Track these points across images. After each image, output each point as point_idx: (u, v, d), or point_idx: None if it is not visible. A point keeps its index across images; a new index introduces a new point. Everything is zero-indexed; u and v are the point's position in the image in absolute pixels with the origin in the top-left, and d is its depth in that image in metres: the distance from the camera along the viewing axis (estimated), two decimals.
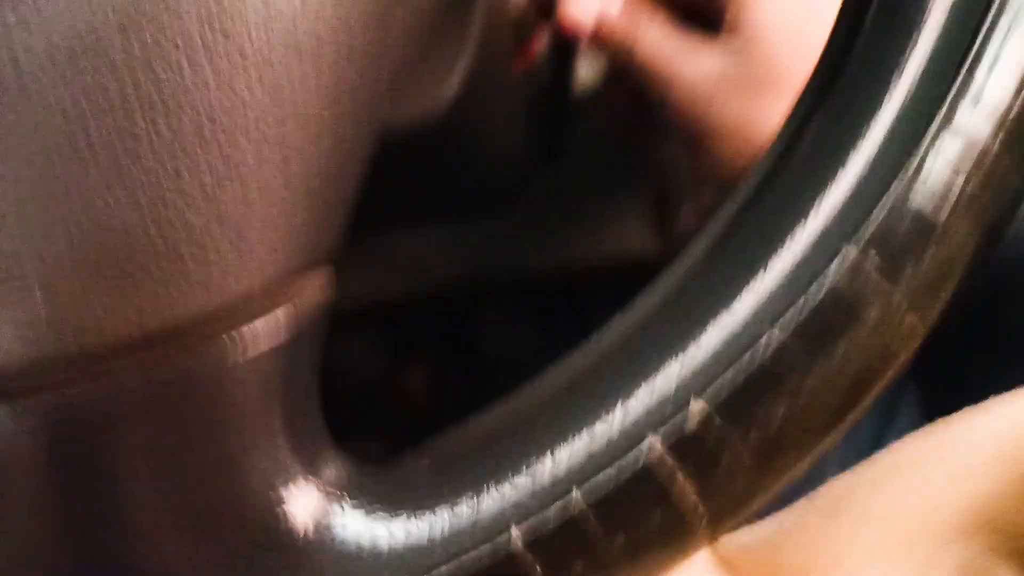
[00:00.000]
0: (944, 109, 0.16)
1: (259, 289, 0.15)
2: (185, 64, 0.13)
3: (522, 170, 0.42)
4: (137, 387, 0.14)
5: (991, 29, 0.15)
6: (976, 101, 0.15)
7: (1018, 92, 0.16)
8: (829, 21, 0.31)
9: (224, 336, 0.15)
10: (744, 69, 0.35)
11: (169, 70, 0.13)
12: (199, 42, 0.13)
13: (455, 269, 0.44)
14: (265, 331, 0.16)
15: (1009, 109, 0.15)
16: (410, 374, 0.56)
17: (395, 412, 0.55)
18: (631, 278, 0.47)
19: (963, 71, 0.16)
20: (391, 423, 0.55)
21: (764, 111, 0.35)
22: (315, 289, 0.17)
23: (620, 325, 0.18)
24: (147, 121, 0.13)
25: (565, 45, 0.38)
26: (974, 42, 0.16)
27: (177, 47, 0.13)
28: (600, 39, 0.37)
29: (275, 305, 0.16)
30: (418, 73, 0.16)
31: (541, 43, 0.39)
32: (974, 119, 0.16)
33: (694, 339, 0.16)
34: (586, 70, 0.41)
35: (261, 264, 0.15)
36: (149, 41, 0.13)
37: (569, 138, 0.43)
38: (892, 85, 0.16)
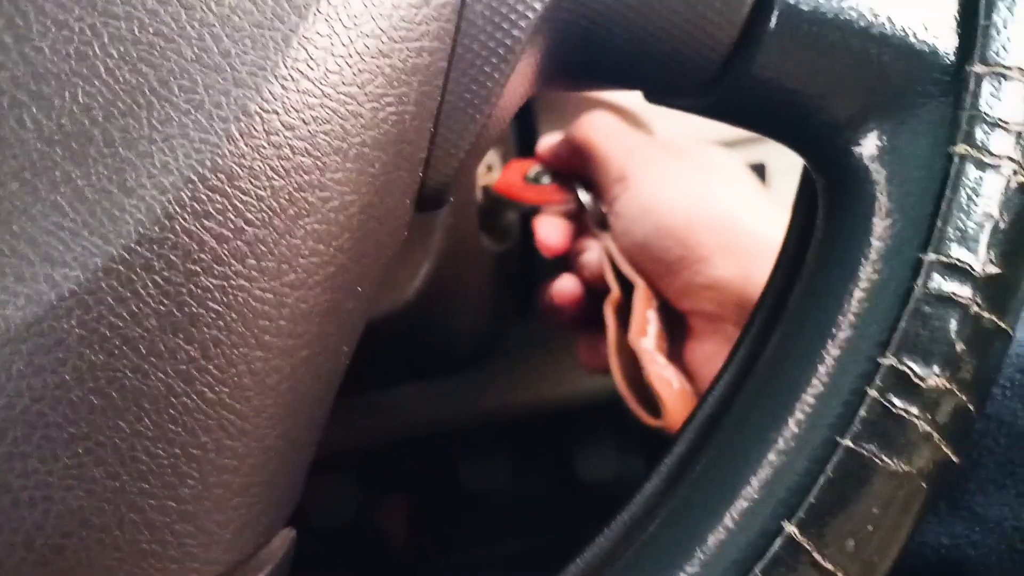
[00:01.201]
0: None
1: (223, 570, 0.15)
2: (148, 368, 0.13)
3: (495, 327, 0.44)
4: None
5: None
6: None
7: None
8: None
9: None
10: None
11: (132, 373, 0.13)
12: (161, 347, 0.13)
13: (434, 418, 0.45)
14: None
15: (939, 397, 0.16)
16: (387, 510, 0.56)
17: (372, 549, 0.55)
18: (601, 413, 0.48)
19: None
20: (367, 560, 0.55)
21: None
22: (278, 546, 0.17)
23: None
24: (108, 424, 0.13)
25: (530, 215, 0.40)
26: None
27: (139, 351, 0.13)
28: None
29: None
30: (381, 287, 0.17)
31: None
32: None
33: None
34: None
35: (223, 550, 0.15)
36: (110, 344, 0.13)
37: (538, 291, 0.45)
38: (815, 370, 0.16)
